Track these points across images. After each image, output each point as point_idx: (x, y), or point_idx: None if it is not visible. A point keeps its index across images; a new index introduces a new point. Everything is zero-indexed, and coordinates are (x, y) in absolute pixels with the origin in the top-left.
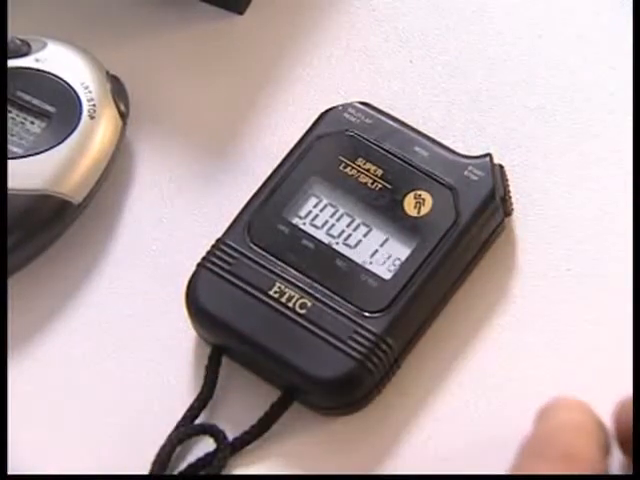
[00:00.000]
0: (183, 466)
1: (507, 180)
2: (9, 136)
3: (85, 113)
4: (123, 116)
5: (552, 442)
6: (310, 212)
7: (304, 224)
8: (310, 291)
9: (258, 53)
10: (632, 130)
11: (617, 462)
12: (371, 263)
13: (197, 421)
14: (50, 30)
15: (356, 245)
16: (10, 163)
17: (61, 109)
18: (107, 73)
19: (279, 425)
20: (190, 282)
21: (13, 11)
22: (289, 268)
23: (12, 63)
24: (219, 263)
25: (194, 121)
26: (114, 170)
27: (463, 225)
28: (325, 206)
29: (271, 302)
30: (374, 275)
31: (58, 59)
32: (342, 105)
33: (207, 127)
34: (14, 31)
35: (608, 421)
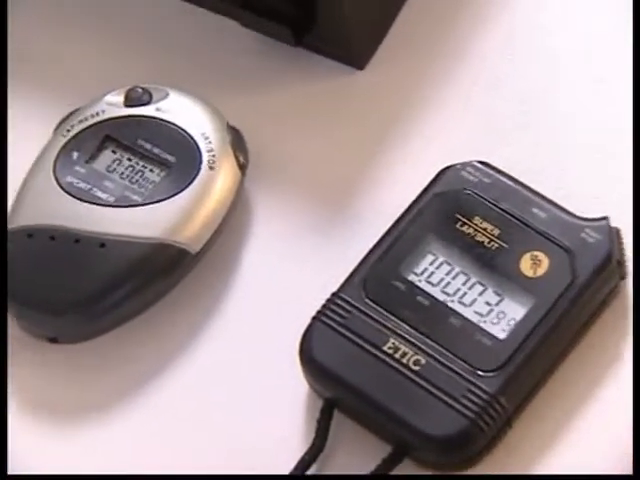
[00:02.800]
0: None
1: (623, 244)
2: (129, 184)
3: (205, 163)
4: (242, 168)
5: None
6: (426, 269)
7: (420, 281)
8: (424, 348)
9: (377, 108)
10: None
11: None
12: (485, 322)
13: (308, 473)
14: (172, 80)
15: (471, 304)
16: (129, 211)
17: (181, 159)
18: (227, 124)
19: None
20: (305, 335)
21: (136, 61)
22: (404, 324)
23: (134, 111)
24: (334, 317)
25: (312, 175)
26: (231, 221)
27: (579, 287)
28: (441, 264)
29: (385, 357)
30: (488, 334)
31: (179, 109)
32: (461, 163)
33: (325, 181)
34: (136, 80)
35: None
